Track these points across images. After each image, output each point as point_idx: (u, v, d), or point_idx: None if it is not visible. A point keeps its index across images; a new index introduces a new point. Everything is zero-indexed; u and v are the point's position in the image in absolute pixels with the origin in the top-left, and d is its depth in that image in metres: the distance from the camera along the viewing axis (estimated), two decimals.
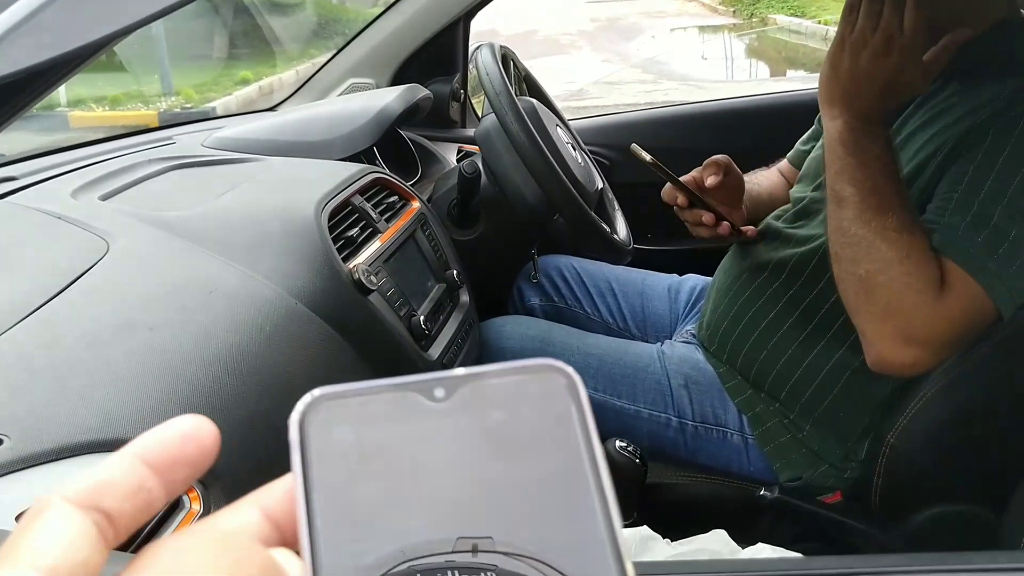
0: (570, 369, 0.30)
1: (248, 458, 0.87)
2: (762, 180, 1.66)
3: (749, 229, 1.44)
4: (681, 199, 1.41)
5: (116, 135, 1.76)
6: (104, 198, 1.29)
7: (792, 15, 15.67)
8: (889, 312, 1.11)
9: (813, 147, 1.60)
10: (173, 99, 9.39)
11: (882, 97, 1.14)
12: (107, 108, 9.11)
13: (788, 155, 1.73)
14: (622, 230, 1.75)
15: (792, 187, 1.65)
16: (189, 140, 1.71)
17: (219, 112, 7.69)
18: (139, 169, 1.44)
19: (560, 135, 1.65)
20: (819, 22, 13.63)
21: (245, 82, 9.31)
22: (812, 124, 1.64)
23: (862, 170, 1.13)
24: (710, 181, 1.42)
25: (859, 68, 1.13)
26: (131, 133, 1.80)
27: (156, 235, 1.15)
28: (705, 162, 1.45)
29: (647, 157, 1.35)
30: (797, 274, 1.36)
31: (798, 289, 1.36)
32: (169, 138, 1.73)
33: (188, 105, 9.10)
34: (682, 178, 1.42)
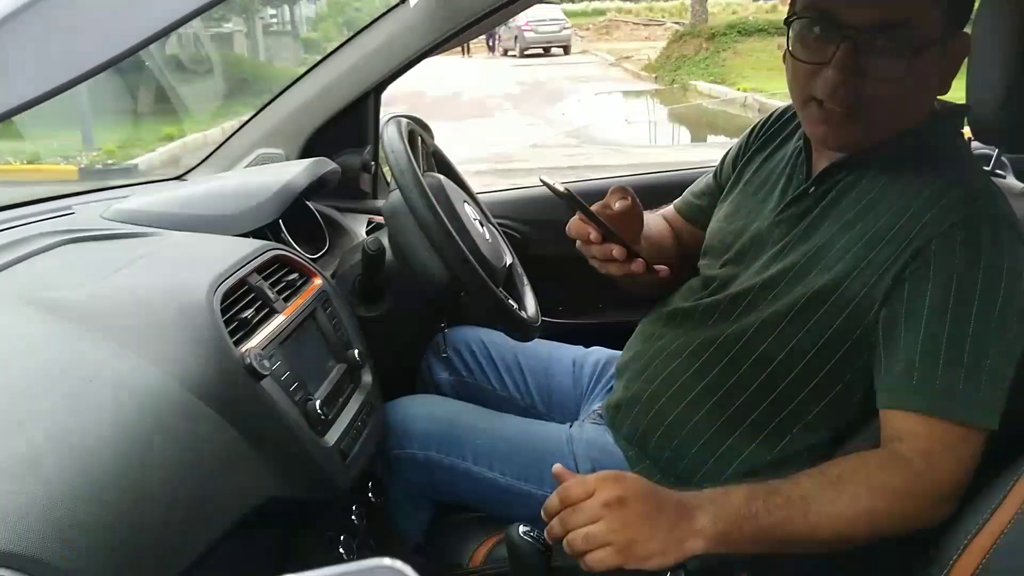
0: (404, 567, 0.28)
1: (117, 562, 0.83)
2: (650, 222, 1.61)
3: (662, 268, 1.36)
4: (594, 234, 1.32)
5: (11, 204, 1.71)
6: None
7: (712, 82, 16.13)
8: (890, 527, 1.13)
9: (707, 202, 1.62)
10: (95, 154, 9.23)
11: (668, 501, 1.12)
12: (25, 162, 8.91)
13: (676, 204, 1.72)
14: (530, 306, 1.74)
15: (676, 236, 1.67)
16: (88, 211, 1.67)
17: (141, 168, 7.58)
18: (29, 243, 1.38)
19: (467, 211, 1.64)
20: (738, 89, 14.04)
21: (169, 138, 9.21)
22: None
23: (761, 518, 1.11)
24: (618, 205, 1.35)
25: (635, 533, 1.09)
26: (29, 202, 1.75)
27: (37, 317, 1.10)
28: (610, 190, 1.39)
29: (560, 187, 1.29)
30: (711, 365, 1.35)
31: (712, 380, 1.35)
32: (68, 208, 1.69)
33: (110, 161, 8.94)
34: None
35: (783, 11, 1.29)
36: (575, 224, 1.36)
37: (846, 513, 1.11)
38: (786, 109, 1.51)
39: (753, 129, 1.57)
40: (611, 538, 1.08)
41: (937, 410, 1.12)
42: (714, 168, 1.66)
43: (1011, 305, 1.13)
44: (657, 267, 1.33)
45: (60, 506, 0.81)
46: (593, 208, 1.32)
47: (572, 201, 1.29)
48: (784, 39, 1.27)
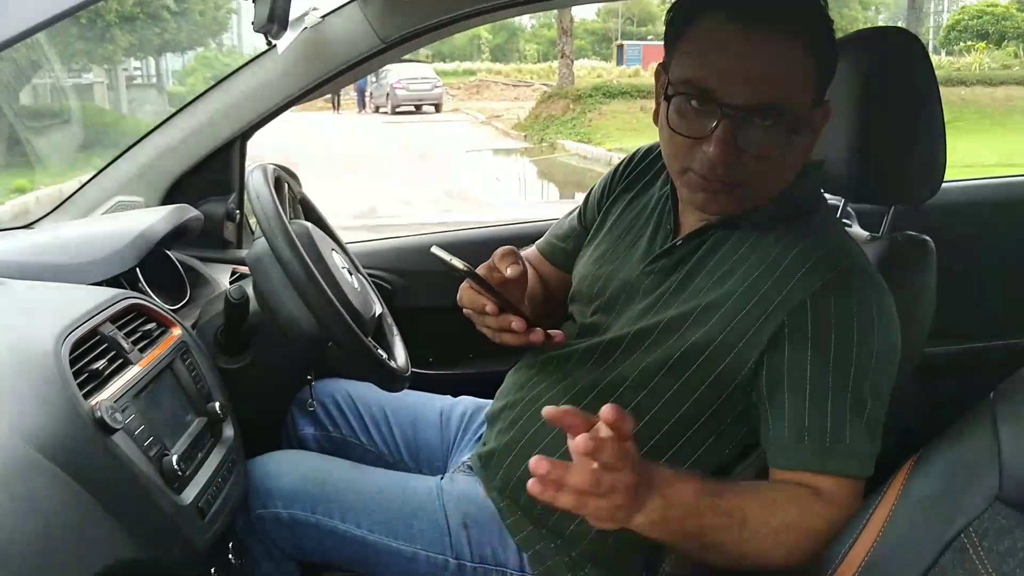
0: None
1: None
2: None
3: (557, 334, 1.35)
4: (490, 306, 1.30)
5: None
6: None
7: (579, 141, 16.53)
8: (803, 555, 1.14)
9: (572, 245, 1.62)
10: None
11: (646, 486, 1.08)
12: None
13: (540, 246, 1.71)
14: (400, 356, 1.71)
15: (542, 279, 1.66)
16: None
17: None
18: None
19: (336, 260, 1.61)
20: (605, 148, 14.41)
21: (21, 191, 8.84)
22: None
23: (696, 518, 1.10)
24: (510, 271, 1.32)
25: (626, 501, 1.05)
26: None
27: None
28: (498, 252, 1.36)
29: (458, 263, 1.25)
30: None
31: None
32: None
33: None
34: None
35: (644, 76, 1.33)
36: (468, 295, 1.35)
37: (773, 536, 1.13)
38: (650, 149, 1.53)
39: (616, 169, 1.58)
40: (599, 515, 1.05)
41: (833, 468, 1.16)
42: (576, 211, 1.66)
43: (885, 350, 1.19)
44: (552, 332, 1.34)
45: None
46: (479, 270, 1.31)
47: (469, 275, 1.27)
48: (646, 102, 1.30)
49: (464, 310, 1.39)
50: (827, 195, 1.48)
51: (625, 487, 1.02)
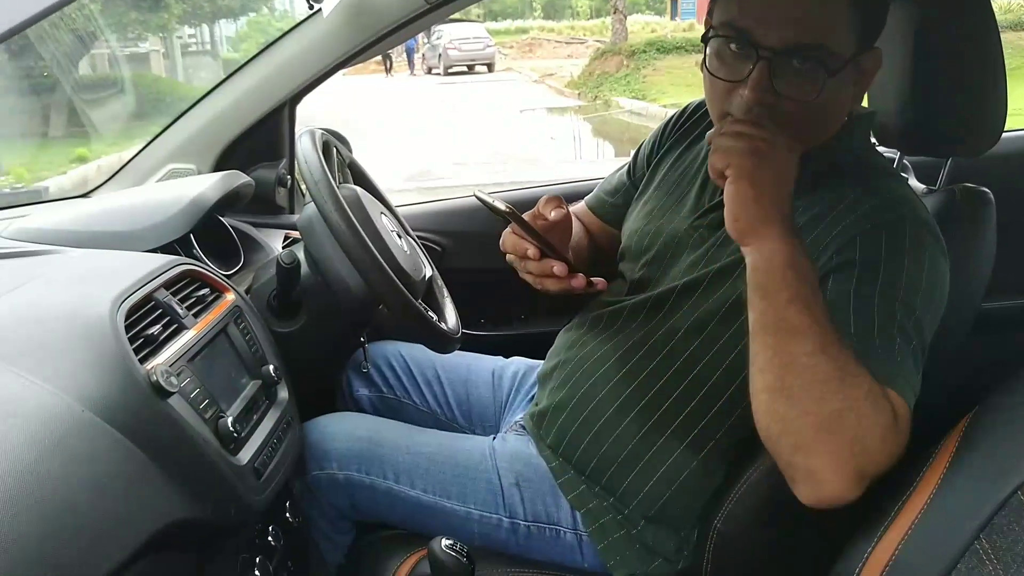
0: None
1: None
2: None
3: (599, 281, 1.32)
4: (532, 250, 1.30)
5: None
6: None
7: (633, 98, 16.34)
8: (855, 451, 0.99)
9: (622, 200, 1.61)
10: (2, 179, 8.98)
11: (790, 201, 1.07)
12: None
13: (589, 202, 1.71)
14: (451, 318, 1.72)
15: (590, 234, 1.66)
16: None
17: (51, 191, 7.38)
18: None
19: (385, 223, 1.62)
20: (660, 104, 14.24)
21: (82, 160, 9.00)
22: None
23: (816, 296, 1.04)
24: (554, 215, 1.32)
25: (777, 174, 1.05)
26: None
27: None
28: (543, 199, 1.36)
29: (500, 205, 1.25)
30: (641, 365, 1.35)
31: (638, 385, 1.34)
32: None
33: (18, 185, 8.70)
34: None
35: (699, 30, 1.30)
36: (511, 239, 1.34)
37: (833, 406, 1.00)
38: (701, 103, 1.51)
39: (667, 124, 1.57)
40: (742, 163, 1.05)
41: (892, 382, 1.04)
42: (625, 166, 1.65)
43: (932, 293, 1.13)
44: (595, 280, 1.32)
45: None
46: (524, 218, 1.30)
47: (512, 217, 1.26)
48: (701, 56, 1.28)
49: (507, 256, 1.38)
50: (882, 148, 1.44)
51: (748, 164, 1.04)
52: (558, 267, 1.28)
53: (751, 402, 1.07)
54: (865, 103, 1.43)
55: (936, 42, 1.37)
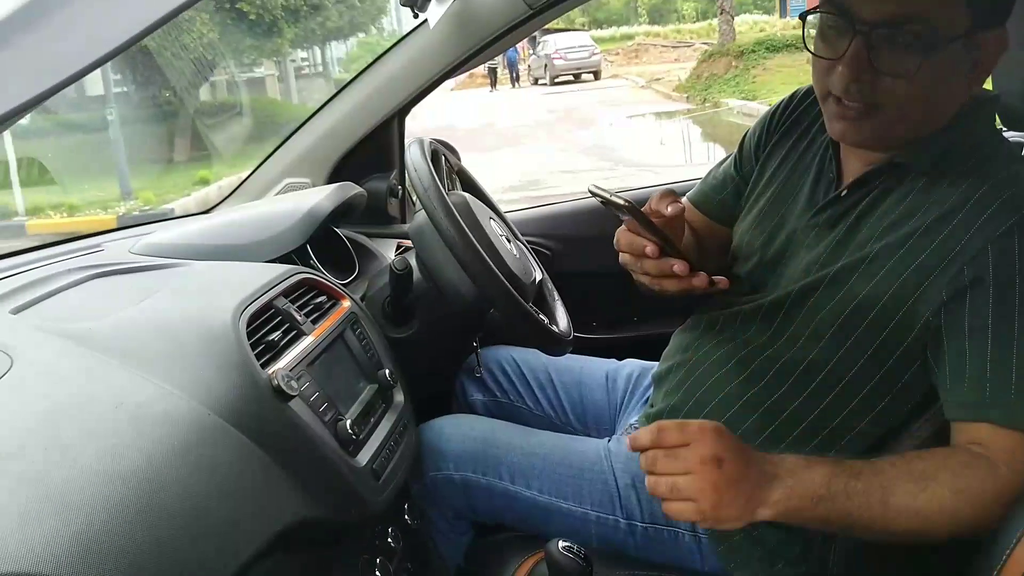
0: None
1: None
2: None
3: (721, 280, 1.27)
4: (651, 247, 1.23)
5: (43, 244, 1.73)
6: (16, 311, 1.25)
7: (743, 98, 16.10)
8: (983, 513, 1.08)
9: (730, 197, 1.55)
10: (132, 203, 9.42)
11: (759, 457, 1.12)
12: (65, 215, 9.11)
13: (692, 197, 1.61)
14: (562, 321, 1.72)
15: (695, 233, 1.61)
16: (117, 247, 1.68)
17: (177, 213, 7.71)
18: (58, 279, 1.40)
19: (494, 228, 1.63)
20: (769, 103, 13.97)
21: (204, 182, 9.38)
22: None
23: (858, 476, 1.10)
24: (671, 209, 1.26)
25: (721, 476, 1.08)
26: (58, 242, 1.78)
27: (65, 348, 1.11)
28: (658, 194, 1.31)
29: (618, 199, 1.20)
30: (757, 377, 1.31)
31: (757, 392, 1.31)
32: (98, 245, 1.70)
33: (147, 208, 9.13)
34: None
35: None
36: (626, 237, 1.30)
37: (926, 511, 1.08)
38: (809, 90, 1.45)
39: (773, 114, 1.52)
40: (697, 496, 1.07)
41: (1015, 422, 1.09)
42: (730, 159, 1.59)
43: None
44: (716, 279, 1.27)
45: (86, 530, 0.80)
46: (615, 200, 1.23)
47: (630, 211, 1.21)
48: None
49: (620, 256, 1.33)
50: (1010, 133, 1.38)
51: (701, 486, 1.07)
52: (679, 265, 1.23)
53: None
54: (988, 86, 1.37)
55: None
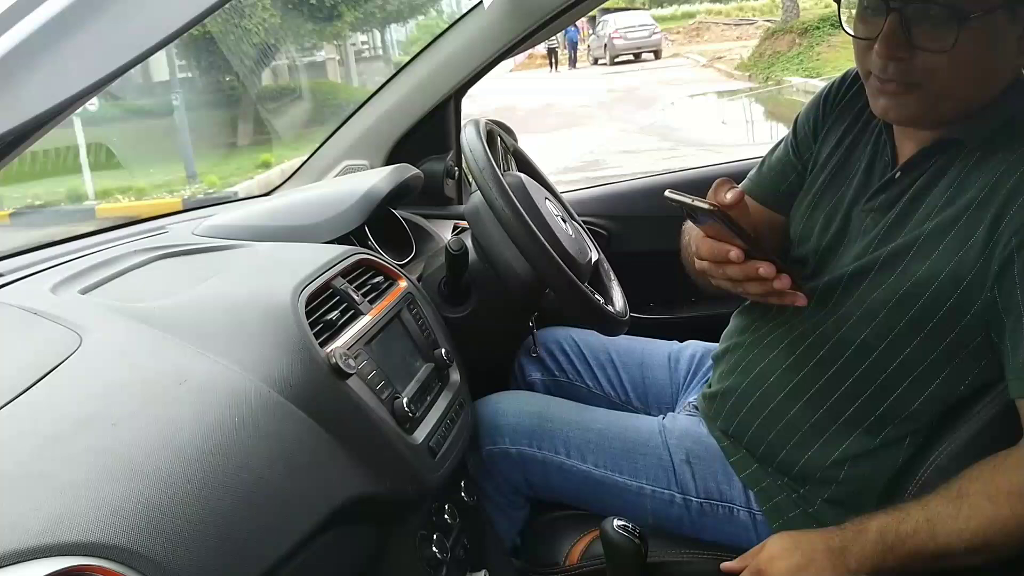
0: None
1: (208, 556, 0.84)
2: None
3: (800, 298, 1.21)
4: (735, 252, 1.17)
5: (109, 227, 1.78)
6: (85, 291, 1.29)
7: (807, 76, 15.82)
8: None
9: (791, 185, 1.50)
10: (197, 186, 9.60)
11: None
12: (133, 199, 9.31)
13: (748, 189, 1.53)
14: (618, 301, 1.72)
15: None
16: (181, 229, 1.72)
17: (240, 195, 7.84)
18: (124, 260, 1.44)
19: (550, 208, 1.63)
20: None
21: (266, 165, 9.52)
22: None
23: (910, 517, 1.14)
24: (730, 196, 1.17)
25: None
26: (124, 224, 1.82)
27: (131, 327, 1.14)
28: (715, 184, 1.23)
29: (701, 203, 1.13)
30: (809, 357, 1.31)
31: (810, 372, 1.31)
32: (162, 227, 1.74)
33: (211, 191, 9.30)
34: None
35: None
36: (708, 245, 1.22)
37: (971, 528, 1.09)
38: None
39: (826, 96, 1.47)
40: None
41: None
42: (783, 145, 1.54)
43: None
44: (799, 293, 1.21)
45: (153, 500, 0.83)
46: (698, 205, 1.16)
47: (717, 215, 1.13)
48: None
49: (697, 263, 1.28)
50: None
51: None
52: (765, 268, 1.16)
53: None
54: None
55: None
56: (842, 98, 1.45)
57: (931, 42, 1.11)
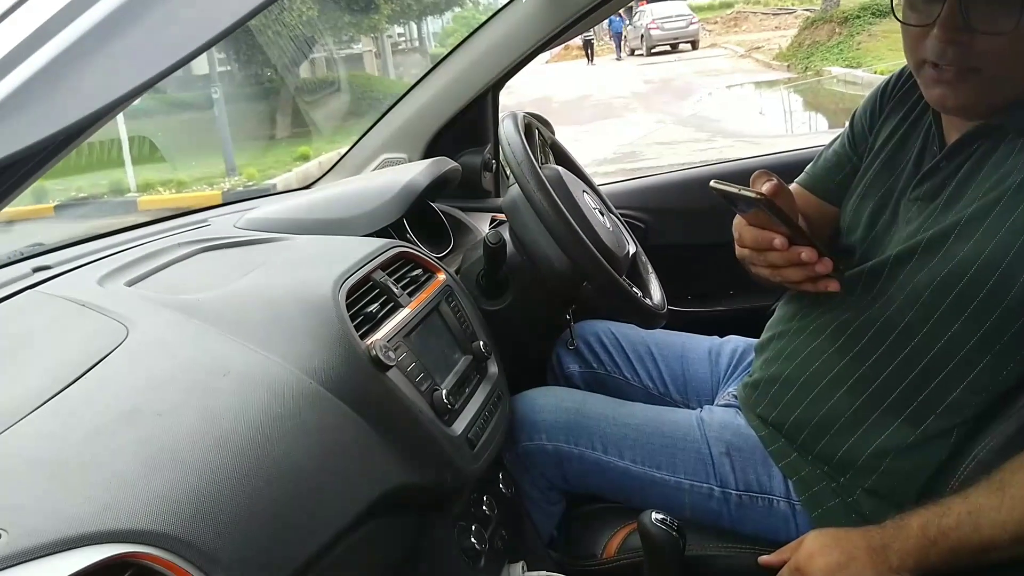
0: None
1: (252, 545, 0.86)
2: None
3: (834, 284, 1.26)
4: (779, 240, 1.21)
5: (152, 220, 1.80)
6: (130, 283, 1.31)
7: (847, 66, 15.63)
8: None
9: (847, 177, 1.50)
10: (236, 179, 9.70)
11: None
12: (174, 191, 9.43)
13: (803, 183, 1.57)
14: (656, 294, 1.72)
15: (806, 218, 1.58)
16: (222, 222, 1.74)
17: (279, 188, 7.91)
18: (168, 253, 1.46)
19: (587, 201, 1.64)
20: (874, 72, 13.55)
21: (305, 158, 9.59)
22: None
23: (957, 511, 1.12)
24: (767, 187, 1.22)
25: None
26: (168, 217, 1.85)
27: (175, 319, 1.16)
28: (754, 177, 1.28)
29: (748, 192, 1.16)
30: (853, 342, 1.31)
31: (853, 357, 1.31)
32: (204, 220, 1.76)
33: (250, 183, 9.39)
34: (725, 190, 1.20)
35: None
36: (752, 233, 1.27)
37: (1012, 518, 1.08)
38: None
39: (883, 91, 1.48)
40: None
41: None
42: (840, 139, 1.56)
43: None
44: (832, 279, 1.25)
45: (199, 490, 0.85)
46: (745, 194, 1.19)
47: (763, 204, 1.16)
48: None
49: (738, 250, 1.32)
50: None
51: None
52: (807, 253, 1.21)
53: None
54: None
55: None
56: (898, 92, 1.45)
57: (992, 25, 1.11)
